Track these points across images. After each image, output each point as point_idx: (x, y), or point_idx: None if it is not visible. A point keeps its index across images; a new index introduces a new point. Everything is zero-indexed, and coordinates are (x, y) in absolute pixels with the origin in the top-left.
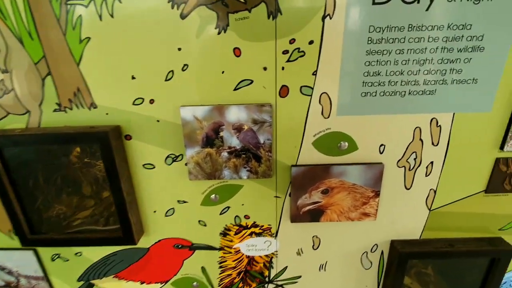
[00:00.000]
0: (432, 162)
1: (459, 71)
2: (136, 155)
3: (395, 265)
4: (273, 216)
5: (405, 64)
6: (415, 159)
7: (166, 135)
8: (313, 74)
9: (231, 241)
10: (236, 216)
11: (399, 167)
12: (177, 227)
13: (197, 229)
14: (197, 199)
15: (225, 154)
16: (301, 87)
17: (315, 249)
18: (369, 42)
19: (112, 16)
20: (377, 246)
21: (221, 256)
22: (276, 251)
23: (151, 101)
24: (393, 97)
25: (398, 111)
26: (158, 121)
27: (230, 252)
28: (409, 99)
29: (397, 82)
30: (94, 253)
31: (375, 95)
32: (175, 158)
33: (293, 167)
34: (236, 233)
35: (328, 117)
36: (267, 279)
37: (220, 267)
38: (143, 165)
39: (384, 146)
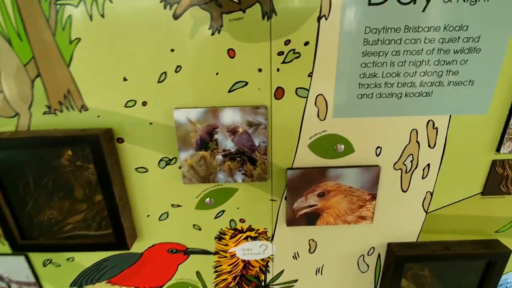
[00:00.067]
0: (428, 165)
1: (455, 72)
2: (129, 159)
3: (392, 268)
4: (269, 219)
5: (402, 65)
6: (411, 161)
7: (159, 138)
8: (308, 75)
9: (227, 245)
10: (232, 220)
11: (396, 169)
12: (171, 231)
13: (191, 233)
14: (191, 203)
15: (219, 157)
16: (296, 89)
17: (312, 253)
18: (365, 43)
19: (102, 16)
20: (373, 249)
21: (216, 261)
22: (272, 255)
23: (144, 103)
24: (389, 99)
25: (394, 113)
26: (151, 123)
27: (226, 257)
28: (406, 101)
29: (393, 83)
30: (87, 258)
31: (372, 97)
32: (168, 162)
33: (288, 170)
34: (231, 237)
35: (324, 119)
36: (263, 283)
37: (216, 271)
38: (136, 168)
39: (381, 148)
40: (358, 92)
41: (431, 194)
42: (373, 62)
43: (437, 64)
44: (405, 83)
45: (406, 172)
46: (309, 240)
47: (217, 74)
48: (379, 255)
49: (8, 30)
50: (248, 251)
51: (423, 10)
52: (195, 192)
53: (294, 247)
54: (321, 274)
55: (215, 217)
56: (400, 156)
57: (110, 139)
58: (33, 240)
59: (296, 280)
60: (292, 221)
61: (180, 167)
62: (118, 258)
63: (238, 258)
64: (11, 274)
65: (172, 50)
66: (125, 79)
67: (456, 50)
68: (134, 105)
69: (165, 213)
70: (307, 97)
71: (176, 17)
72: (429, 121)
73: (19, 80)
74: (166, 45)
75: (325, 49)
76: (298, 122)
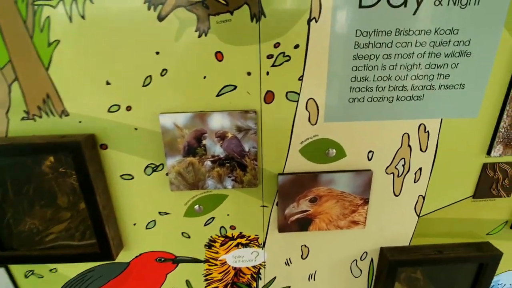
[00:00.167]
0: (420, 168)
1: (446, 76)
2: (113, 166)
3: (385, 273)
4: (260, 226)
5: (393, 69)
6: (403, 165)
7: (145, 144)
8: (299, 79)
9: (217, 252)
10: (222, 227)
11: (388, 173)
12: (159, 240)
13: (180, 241)
14: (179, 210)
15: (208, 163)
16: (287, 92)
17: (304, 259)
18: (356, 46)
19: (83, 17)
20: (366, 254)
21: (207, 269)
22: (264, 262)
23: (128, 108)
24: (381, 102)
25: (386, 117)
26: (136, 129)
27: (216, 264)
28: (397, 104)
29: (384, 87)
30: (71, 269)
31: (363, 101)
32: (155, 168)
33: (280, 176)
34: (221, 245)
35: (315, 124)
36: None
37: (206, 280)
38: (121, 175)
39: (373, 152)
40: (350, 95)
41: (423, 198)
42: (365, 66)
43: (428, 68)
44: (397, 86)
45: (398, 176)
46: (302, 246)
47: (204, 77)
48: (372, 260)
49: None
50: (239, 258)
51: (414, 13)
52: (184, 199)
53: (286, 254)
54: (314, 280)
55: (205, 224)
56: (392, 160)
57: (92, 145)
58: (13, 252)
59: (288, 287)
60: (284, 227)
61: (167, 174)
62: (103, 268)
63: (229, 266)
64: None
65: (157, 53)
66: (108, 83)
67: (447, 54)
68: (118, 110)
69: (152, 221)
70: (297, 101)
71: (160, 18)
72: (420, 124)
73: None
74: (150, 48)
75: (315, 52)
76: (289, 126)
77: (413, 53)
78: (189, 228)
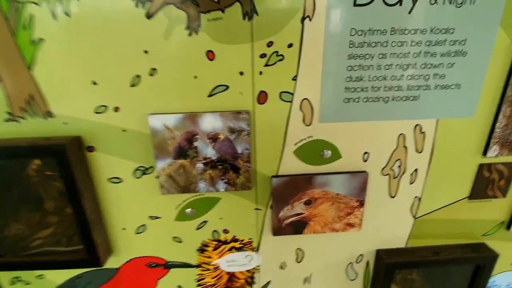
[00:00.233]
0: (416, 170)
1: (442, 76)
2: (101, 169)
3: (381, 276)
4: (254, 229)
5: (388, 69)
6: (399, 166)
7: (134, 146)
8: (293, 79)
9: (210, 257)
10: (214, 230)
11: (384, 175)
12: (150, 244)
13: (171, 246)
14: (170, 214)
15: (200, 165)
16: (280, 93)
17: (299, 262)
18: (351, 45)
19: (68, 15)
20: (362, 256)
21: (199, 274)
22: (258, 266)
23: (116, 109)
24: (376, 103)
25: (381, 117)
26: (124, 130)
27: (209, 269)
28: (393, 105)
29: (380, 87)
30: (58, 276)
31: (358, 101)
32: (144, 171)
33: (273, 178)
34: (214, 249)
35: (310, 125)
36: None
37: (198, 285)
38: (109, 179)
39: (368, 154)
40: (345, 96)
41: (419, 199)
42: (360, 65)
43: (424, 67)
44: (392, 86)
45: (394, 178)
46: (296, 249)
47: (195, 77)
48: (367, 262)
49: None
50: (233, 262)
51: (410, 12)
52: (175, 202)
53: (281, 257)
54: (309, 283)
55: (197, 228)
56: (388, 162)
57: (78, 148)
58: None
59: None
60: (278, 230)
61: (157, 177)
62: (92, 274)
63: (222, 271)
64: None
65: (146, 52)
66: (94, 83)
67: (443, 53)
68: (105, 111)
69: (142, 225)
70: (291, 102)
71: (149, 16)
72: (416, 125)
73: None
74: (138, 46)
75: (309, 51)
76: (283, 127)
77: (408, 53)
78: (180, 232)
